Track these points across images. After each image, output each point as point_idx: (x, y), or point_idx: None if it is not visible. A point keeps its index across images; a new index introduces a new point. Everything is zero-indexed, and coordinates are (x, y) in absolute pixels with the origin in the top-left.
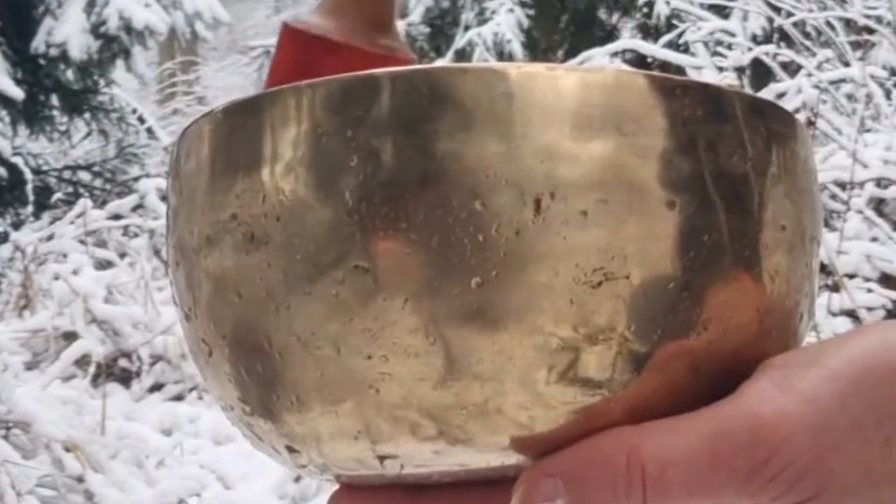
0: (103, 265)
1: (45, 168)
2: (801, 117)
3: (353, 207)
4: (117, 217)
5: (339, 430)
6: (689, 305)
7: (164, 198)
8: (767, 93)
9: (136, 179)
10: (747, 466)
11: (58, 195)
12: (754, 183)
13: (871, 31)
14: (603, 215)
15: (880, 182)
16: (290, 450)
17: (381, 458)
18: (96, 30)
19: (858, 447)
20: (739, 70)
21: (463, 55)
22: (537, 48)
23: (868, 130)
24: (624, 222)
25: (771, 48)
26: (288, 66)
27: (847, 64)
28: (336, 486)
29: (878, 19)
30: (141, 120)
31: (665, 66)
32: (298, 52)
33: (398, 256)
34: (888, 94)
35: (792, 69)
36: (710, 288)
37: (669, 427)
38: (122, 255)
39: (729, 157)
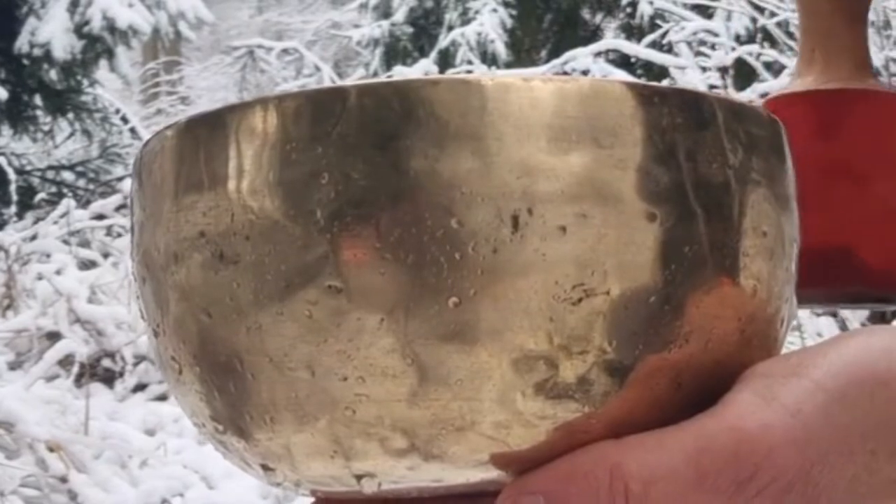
0: (87, 265)
1: (28, 168)
2: None
3: (325, 226)
4: (101, 217)
5: (315, 449)
6: (671, 319)
7: (122, 206)
8: (751, 93)
9: (120, 179)
10: (732, 482)
11: (41, 195)
12: (735, 190)
13: None
14: (582, 230)
15: None
16: (265, 468)
17: (359, 477)
18: (80, 30)
19: (844, 461)
20: (723, 70)
21: (446, 55)
22: (521, 48)
23: None
24: (603, 237)
25: (754, 48)
26: (809, 137)
27: None
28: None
29: None
30: (124, 120)
31: (648, 65)
32: (813, 118)
33: (372, 276)
34: None
35: (775, 69)
36: (692, 300)
37: (652, 442)
38: (106, 255)
39: (709, 165)
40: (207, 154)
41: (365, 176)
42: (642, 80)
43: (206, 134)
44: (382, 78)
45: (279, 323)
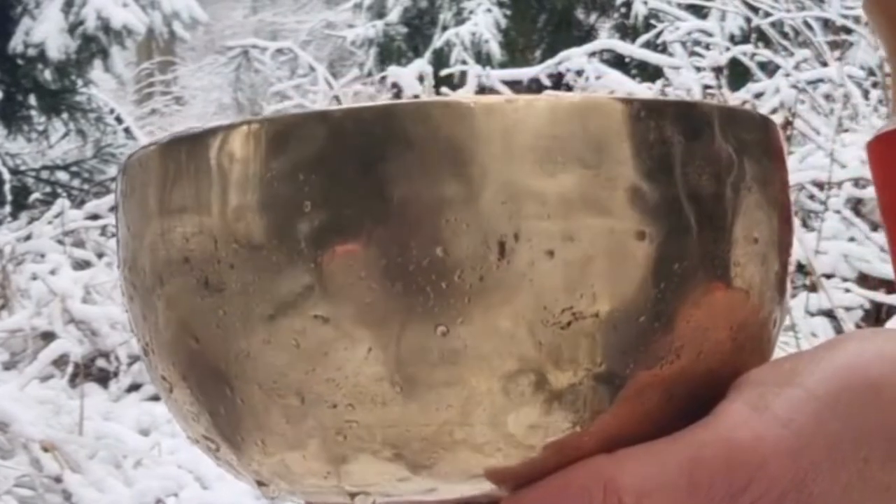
0: (81, 265)
1: (22, 168)
2: (779, 117)
3: (310, 255)
4: (95, 217)
5: (307, 470)
6: (661, 335)
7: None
8: (745, 93)
9: (114, 179)
10: (725, 494)
11: (36, 195)
12: (726, 200)
13: (848, 31)
14: (570, 253)
15: (858, 182)
16: (259, 483)
17: (352, 495)
18: (74, 30)
19: (837, 469)
20: (717, 70)
21: (441, 55)
22: (515, 48)
23: (846, 130)
24: (592, 259)
25: (749, 48)
26: None
27: (825, 64)
28: None
29: (856, 19)
30: (118, 120)
31: (643, 65)
32: None
33: (358, 306)
34: (866, 94)
35: (770, 69)
36: (682, 315)
37: (644, 455)
38: (100, 255)
39: (699, 177)
40: (189, 177)
41: (348, 203)
42: (637, 81)
43: (188, 155)
44: (377, 78)
45: (267, 351)
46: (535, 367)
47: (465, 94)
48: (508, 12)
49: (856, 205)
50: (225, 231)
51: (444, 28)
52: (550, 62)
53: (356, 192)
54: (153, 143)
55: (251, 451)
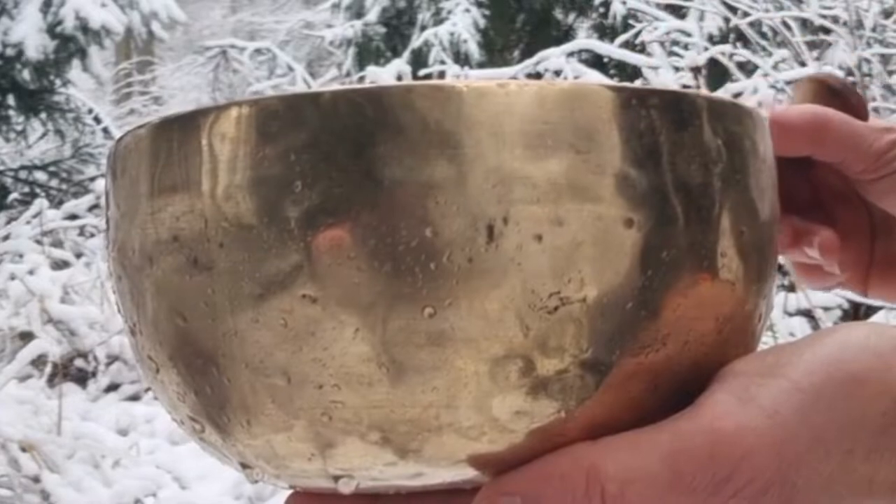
0: (59, 265)
1: (0, 168)
2: None
3: (299, 235)
4: (73, 217)
5: (292, 451)
6: (648, 323)
7: (95, 206)
8: (724, 93)
9: (93, 179)
10: (708, 484)
11: (14, 195)
12: (714, 191)
13: (827, 31)
14: (558, 238)
15: None
16: (243, 465)
17: (336, 478)
18: (53, 30)
19: (820, 461)
20: (696, 70)
21: (419, 55)
22: (493, 48)
23: None
24: (580, 244)
25: (727, 48)
26: None
27: (803, 64)
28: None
29: (835, 19)
30: (97, 120)
31: (621, 65)
32: None
33: (347, 286)
34: None
35: (748, 69)
36: (669, 303)
37: (628, 443)
38: (79, 256)
39: (688, 167)
40: (181, 157)
41: (339, 184)
42: (616, 81)
43: (179, 136)
44: (355, 78)
45: (254, 330)
46: (522, 352)
47: (456, 79)
48: (487, 12)
49: None
50: (215, 210)
51: (423, 28)
52: (529, 62)
53: (346, 173)
54: (144, 125)
55: (236, 433)
